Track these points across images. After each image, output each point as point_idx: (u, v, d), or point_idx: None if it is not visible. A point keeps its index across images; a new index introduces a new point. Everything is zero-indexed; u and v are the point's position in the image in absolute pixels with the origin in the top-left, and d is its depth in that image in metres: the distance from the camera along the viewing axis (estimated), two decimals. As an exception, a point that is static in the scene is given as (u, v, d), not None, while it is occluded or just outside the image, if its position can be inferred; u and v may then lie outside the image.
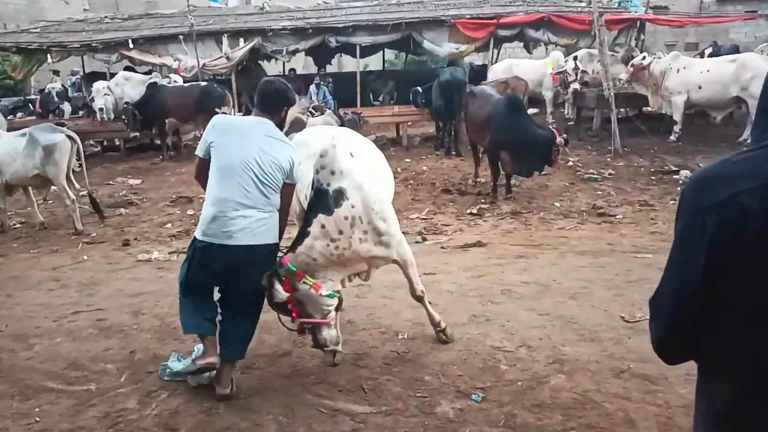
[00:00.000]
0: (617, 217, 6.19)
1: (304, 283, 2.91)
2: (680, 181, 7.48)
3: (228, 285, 3.04)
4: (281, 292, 2.85)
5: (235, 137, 2.92)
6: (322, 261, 2.94)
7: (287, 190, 3.02)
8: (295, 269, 2.89)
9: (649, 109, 10.94)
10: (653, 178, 7.80)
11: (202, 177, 3.05)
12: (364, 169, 3.06)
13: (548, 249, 5.32)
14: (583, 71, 10.89)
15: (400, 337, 3.65)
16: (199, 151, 3.03)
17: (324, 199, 2.92)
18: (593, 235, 5.68)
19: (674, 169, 8.02)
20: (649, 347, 3.24)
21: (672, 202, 6.65)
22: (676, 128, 9.87)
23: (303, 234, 2.95)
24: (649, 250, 5.08)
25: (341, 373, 3.27)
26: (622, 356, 3.27)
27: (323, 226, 2.90)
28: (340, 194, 2.91)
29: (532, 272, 4.69)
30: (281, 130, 3.11)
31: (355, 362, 3.38)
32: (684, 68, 9.63)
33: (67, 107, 13.31)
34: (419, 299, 3.49)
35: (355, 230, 2.95)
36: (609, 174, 8.09)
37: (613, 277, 4.48)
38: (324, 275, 2.99)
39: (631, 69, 10.09)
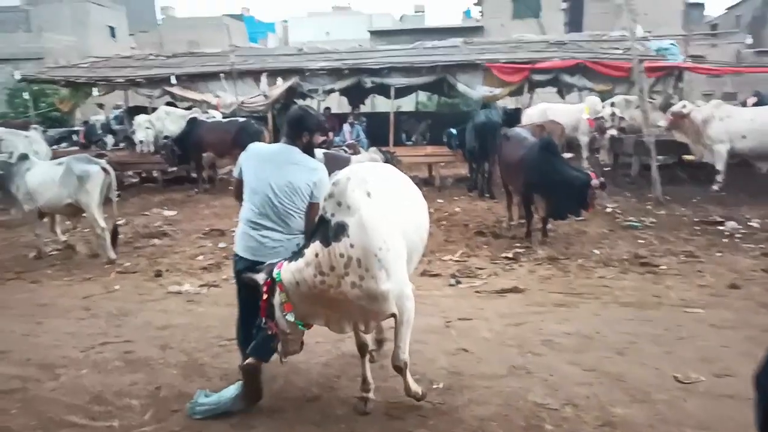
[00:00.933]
0: (661, 267, 5.89)
1: (279, 296, 2.82)
2: (726, 233, 7.16)
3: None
4: (259, 280, 2.88)
5: (258, 163, 3.23)
6: (303, 289, 2.78)
7: (313, 209, 3.11)
8: (280, 279, 2.80)
9: (691, 157, 10.65)
10: (697, 228, 7.47)
11: (238, 195, 3.38)
12: (380, 212, 2.83)
13: (590, 298, 5.07)
14: (621, 117, 10.73)
15: (434, 386, 3.45)
16: (235, 172, 3.41)
17: (324, 228, 2.80)
18: (637, 285, 5.40)
19: (719, 219, 7.69)
20: (707, 413, 2.95)
21: (719, 254, 6.33)
22: (719, 178, 9.54)
23: (299, 253, 2.86)
24: (699, 305, 4.79)
25: (373, 423, 3.09)
26: (679, 421, 3.01)
27: (317, 255, 2.77)
28: (341, 228, 2.75)
29: (574, 322, 4.45)
30: (310, 155, 3.27)
31: (388, 412, 3.20)
32: (727, 117, 9.38)
33: (109, 139, 13.79)
34: (399, 369, 3.11)
35: (349, 272, 2.73)
36: (650, 222, 7.81)
37: (662, 333, 4.20)
38: (297, 301, 2.81)
39: (671, 117, 9.90)
